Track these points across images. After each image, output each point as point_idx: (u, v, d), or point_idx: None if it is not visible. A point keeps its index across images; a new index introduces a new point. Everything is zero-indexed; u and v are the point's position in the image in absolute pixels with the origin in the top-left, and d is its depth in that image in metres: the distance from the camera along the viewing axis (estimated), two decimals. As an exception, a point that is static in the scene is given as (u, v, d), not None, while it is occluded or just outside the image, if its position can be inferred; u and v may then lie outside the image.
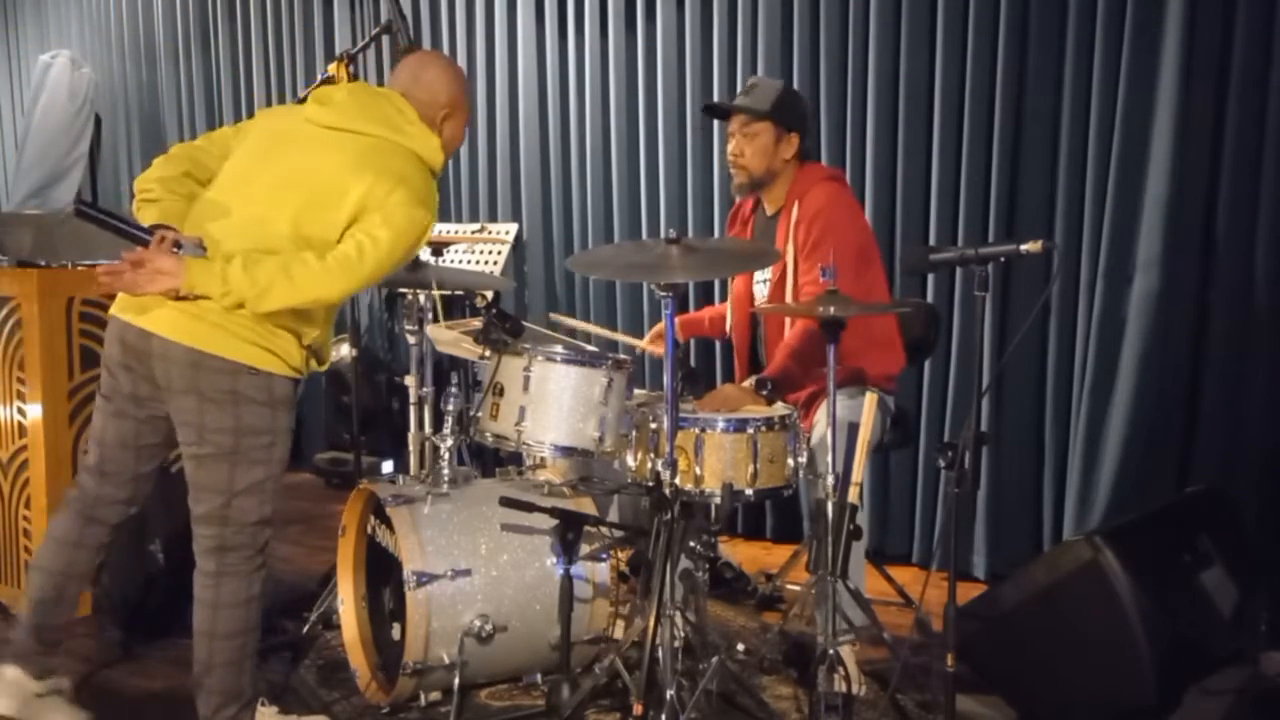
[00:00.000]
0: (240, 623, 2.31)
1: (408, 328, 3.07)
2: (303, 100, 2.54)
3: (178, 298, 2.17)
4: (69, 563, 2.40)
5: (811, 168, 3.12)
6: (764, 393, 2.82)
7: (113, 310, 2.31)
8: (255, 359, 2.23)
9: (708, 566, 2.79)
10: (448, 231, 4.83)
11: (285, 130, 2.37)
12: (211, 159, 2.40)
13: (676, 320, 2.93)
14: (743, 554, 3.82)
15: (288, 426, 2.33)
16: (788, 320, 3.04)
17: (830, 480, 2.52)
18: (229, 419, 2.23)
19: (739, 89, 3.27)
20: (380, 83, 5.18)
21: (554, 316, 3.71)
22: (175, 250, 2.17)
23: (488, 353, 2.76)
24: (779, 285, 3.04)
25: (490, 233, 4.73)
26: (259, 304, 2.17)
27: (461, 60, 4.90)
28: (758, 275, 3.18)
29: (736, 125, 3.07)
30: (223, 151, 2.41)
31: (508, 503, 2.56)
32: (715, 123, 4.09)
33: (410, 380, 3.08)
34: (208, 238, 2.22)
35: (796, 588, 3.29)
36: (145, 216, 2.27)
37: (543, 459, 2.86)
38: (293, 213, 2.24)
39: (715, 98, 4.06)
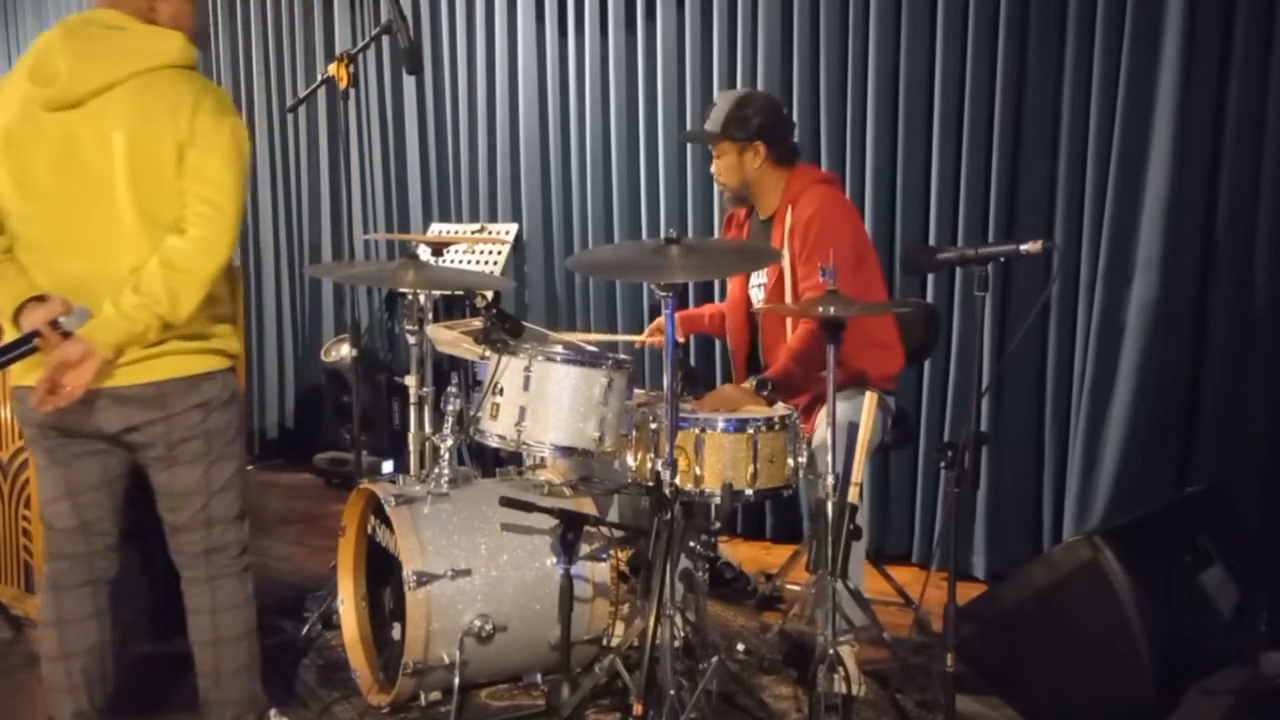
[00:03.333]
0: (243, 624, 2.29)
1: (408, 328, 3.07)
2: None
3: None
4: (99, 630, 2.29)
5: (802, 171, 3.11)
6: (764, 394, 2.83)
7: (16, 381, 2.16)
8: (209, 364, 2.20)
9: (708, 566, 2.79)
10: (448, 231, 4.84)
11: (40, 141, 2.08)
12: None
13: (677, 316, 2.93)
14: (743, 554, 3.82)
15: (241, 416, 2.30)
16: (787, 322, 3.04)
17: (830, 480, 2.52)
18: (198, 427, 2.19)
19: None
20: (382, 86, 5.19)
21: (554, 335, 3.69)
22: (61, 332, 1.99)
23: (488, 353, 2.76)
24: (775, 289, 3.04)
25: (490, 233, 4.73)
26: (176, 311, 2.06)
27: (461, 60, 4.91)
28: (753, 280, 3.19)
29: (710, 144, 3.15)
30: None
31: (508, 503, 2.56)
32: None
33: (410, 380, 3.08)
34: (92, 301, 2.04)
35: (796, 588, 3.29)
36: (2, 304, 2.08)
37: (543, 459, 2.86)
38: (134, 213, 2.08)
39: (715, 98, 4.05)
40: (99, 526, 2.26)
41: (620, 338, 3.62)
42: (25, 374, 2.12)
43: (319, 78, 3.48)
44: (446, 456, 2.78)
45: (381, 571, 2.77)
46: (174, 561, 2.30)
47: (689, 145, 4.20)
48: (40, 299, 2.02)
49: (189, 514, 2.24)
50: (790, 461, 2.63)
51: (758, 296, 3.17)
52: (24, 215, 2.11)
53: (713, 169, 3.18)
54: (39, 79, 2.08)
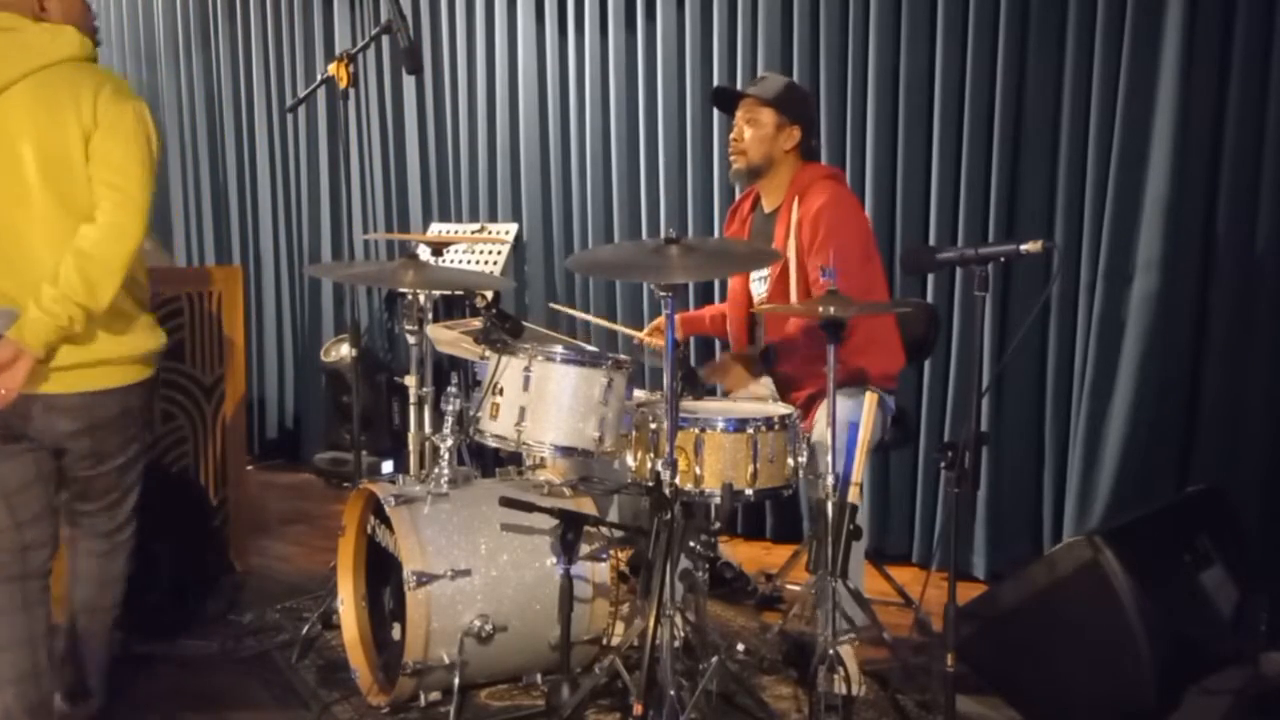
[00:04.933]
0: (119, 596, 2.42)
1: (408, 328, 3.07)
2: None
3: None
4: (29, 624, 2.22)
5: (812, 166, 3.13)
6: (765, 364, 2.90)
7: None
8: (135, 375, 2.25)
9: (708, 566, 2.78)
10: (448, 231, 4.83)
11: None
12: None
13: (678, 318, 2.93)
14: (743, 554, 3.82)
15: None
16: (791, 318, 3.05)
17: (830, 480, 2.52)
18: (121, 437, 2.27)
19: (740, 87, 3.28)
20: (382, 86, 5.20)
21: (554, 306, 3.70)
22: None
23: (488, 353, 2.76)
24: (779, 283, 3.04)
25: (490, 233, 4.73)
26: (96, 299, 2.07)
27: (461, 60, 4.91)
28: (754, 274, 3.19)
29: (742, 111, 3.12)
30: None
31: (508, 503, 2.56)
32: (715, 124, 4.10)
33: (410, 380, 3.08)
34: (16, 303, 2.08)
35: (796, 588, 3.29)
36: None
37: (543, 459, 2.86)
38: (55, 210, 2.11)
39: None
40: (32, 523, 2.24)
41: (620, 328, 3.62)
42: None
43: (319, 78, 3.48)
44: (446, 456, 2.77)
45: (381, 571, 2.77)
46: (67, 521, 2.36)
47: (689, 144, 4.20)
48: None
49: (102, 502, 2.34)
50: (790, 461, 2.63)
51: (759, 291, 3.17)
52: None
53: (734, 136, 3.12)
54: None
